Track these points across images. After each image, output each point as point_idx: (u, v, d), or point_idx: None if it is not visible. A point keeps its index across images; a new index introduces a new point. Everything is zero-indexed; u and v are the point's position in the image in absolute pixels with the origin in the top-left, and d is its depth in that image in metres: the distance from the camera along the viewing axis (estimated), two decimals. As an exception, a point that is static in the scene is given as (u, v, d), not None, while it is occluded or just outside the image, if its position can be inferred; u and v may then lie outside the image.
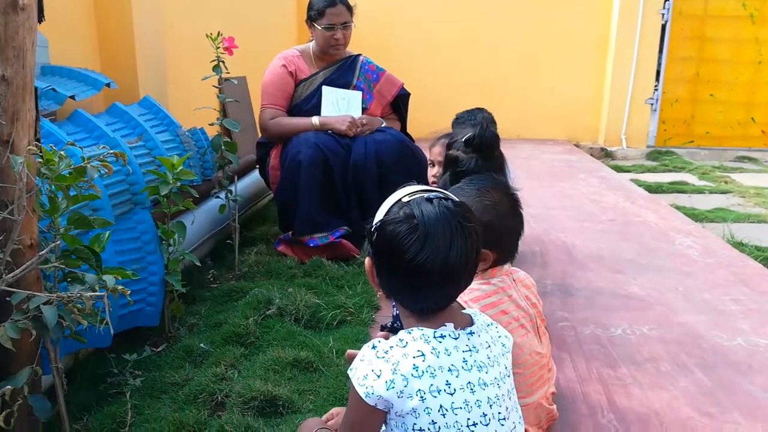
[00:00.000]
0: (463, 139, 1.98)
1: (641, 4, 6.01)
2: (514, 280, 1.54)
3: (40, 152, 1.24)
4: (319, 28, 2.93)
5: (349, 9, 2.98)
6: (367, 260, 1.13)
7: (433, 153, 2.34)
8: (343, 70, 3.06)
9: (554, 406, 1.57)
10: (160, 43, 2.91)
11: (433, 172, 2.34)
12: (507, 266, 1.53)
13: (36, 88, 1.27)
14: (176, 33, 3.17)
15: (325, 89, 2.97)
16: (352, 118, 2.90)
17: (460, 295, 1.35)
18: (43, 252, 1.22)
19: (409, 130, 3.31)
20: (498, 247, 1.46)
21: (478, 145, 1.88)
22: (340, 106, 2.98)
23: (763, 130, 6.46)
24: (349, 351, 1.75)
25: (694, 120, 6.48)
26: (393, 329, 1.94)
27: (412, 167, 2.84)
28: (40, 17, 1.22)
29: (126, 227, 1.96)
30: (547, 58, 6.40)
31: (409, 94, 3.24)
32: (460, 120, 2.83)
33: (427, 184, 1.39)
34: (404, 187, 1.15)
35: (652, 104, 6.31)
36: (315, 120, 2.90)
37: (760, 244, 3.25)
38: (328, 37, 2.94)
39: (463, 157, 1.90)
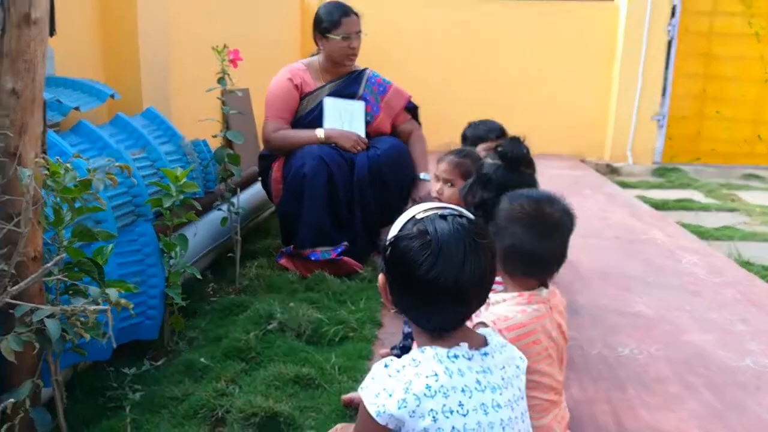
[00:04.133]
0: (494, 148, 1.94)
1: (647, 21, 6.02)
2: (550, 308, 1.48)
3: (47, 164, 1.23)
4: (337, 38, 2.92)
5: (359, 18, 2.99)
6: (380, 276, 1.12)
7: (439, 169, 2.32)
8: (349, 82, 3.05)
9: None
10: (164, 54, 2.92)
11: (436, 188, 2.30)
12: (545, 292, 1.48)
13: (44, 101, 1.26)
14: (180, 44, 3.18)
15: (327, 100, 2.97)
16: (357, 137, 2.89)
17: (494, 322, 1.33)
18: (49, 264, 1.20)
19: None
20: (541, 272, 1.46)
21: (505, 155, 1.85)
22: (344, 117, 2.98)
23: (769, 147, 6.45)
24: (345, 396, 1.75)
25: (700, 137, 6.46)
26: (403, 349, 1.92)
27: (406, 179, 2.94)
28: (52, 30, 1.22)
29: (128, 239, 1.95)
30: (553, 74, 6.41)
31: (417, 107, 3.23)
32: (472, 128, 2.82)
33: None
34: (418, 203, 1.14)
35: (658, 120, 6.30)
36: (320, 133, 2.89)
37: (767, 263, 3.22)
38: (344, 46, 2.94)
39: (490, 163, 1.87)
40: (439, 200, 2.26)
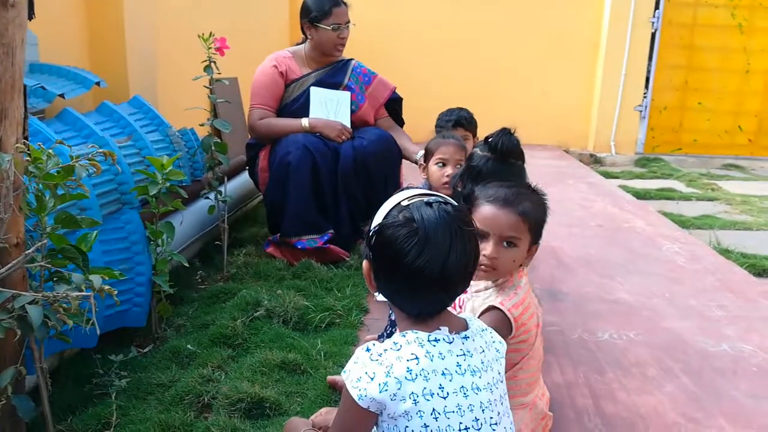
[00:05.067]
0: (484, 139, 1.95)
1: (631, 13, 6.06)
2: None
3: (28, 150, 1.23)
4: (327, 28, 2.92)
5: (347, 8, 3.00)
6: (364, 263, 1.13)
7: (444, 153, 2.27)
8: (335, 71, 3.06)
9: (551, 414, 1.57)
10: (151, 42, 2.90)
11: (447, 171, 2.28)
12: (525, 268, 1.52)
13: (25, 86, 1.26)
14: (168, 32, 3.15)
15: (313, 90, 2.97)
16: (342, 126, 2.91)
17: (502, 303, 1.35)
18: (29, 251, 1.21)
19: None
20: (537, 242, 1.47)
21: (495, 147, 1.85)
22: (329, 107, 2.98)
23: (749, 138, 6.53)
24: (330, 377, 1.77)
25: (682, 128, 6.53)
26: (390, 336, 1.94)
27: (392, 168, 2.96)
28: (31, 14, 1.21)
29: (114, 227, 1.95)
30: (538, 64, 6.43)
31: (401, 99, 3.24)
32: (442, 118, 2.83)
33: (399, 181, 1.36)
34: (402, 190, 1.15)
35: (641, 111, 6.36)
36: (305, 122, 2.90)
37: (745, 251, 3.28)
38: (334, 36, 2.94)
39: (479, 155, 1.87)
40: (449, 184, 2.24)
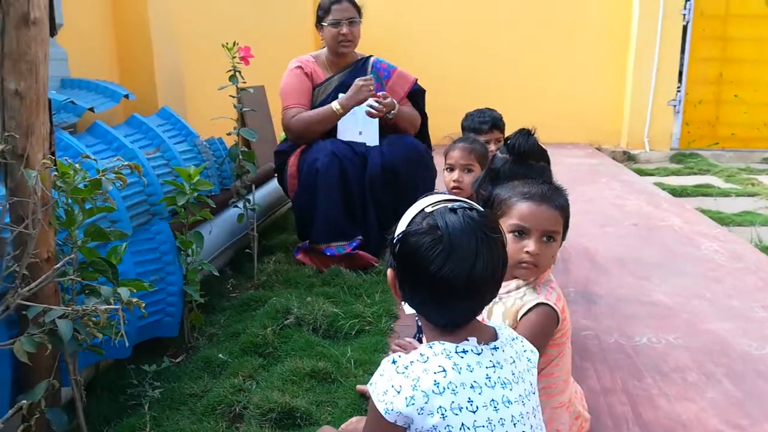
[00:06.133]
0: (504, 141, 1.94)
1: (661, 5, 5.93)
2: None
3: (55, 165, 1.24)
4: (326, 25, 2.94)
5: (356, 7, 2.99)
6: (389, 272, 1.10)
7: (453, 157, 2.30)
8: (355, 72, 3.05)
9: (588, 417, 1.55)
10: (177, 54, 2.93)
11: (454, 176, 2.28)
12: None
13: (50, 101, 1.27)
14: (194, 43, 3.19)
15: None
16: (365, 85, 2.82)
17: (547, 297, 1.36)
18: (58, 265, 1.22)
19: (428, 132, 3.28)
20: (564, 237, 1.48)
21: (513, 148, 1.84)
22: (356, 112, 2.96)
23: (790, 130, 6.33)
24: (360, 386, 1.75)
25: (718, 121, 6.36)
26: (419, 341, 1.92)
27: (426, 180, 2.89)
28: (53, 31, 1.22)
29: (144, 238, 1.96)
30: (567, 61, 6.34)
31: (424, 91, 3.21)
32: (474, 120, 2.80)
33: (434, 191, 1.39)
34: (426, 196, 1.12)
35: (674, 106, 6.21)
36: (335, 105, 2.86)
37: (789, 248, 3.17)
38: (334, 33, 2.94)
39: (499, 157, 1.86)
40: (459, 189, 2.24)
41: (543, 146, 1.87)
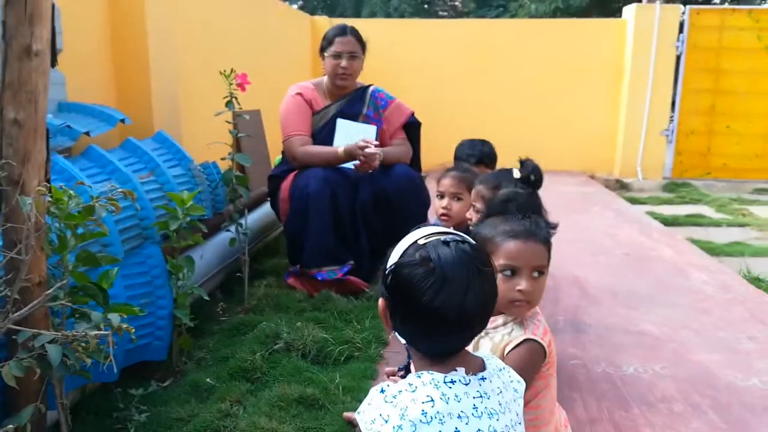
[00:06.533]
0: (517, 176, 1.95)
1: (655, 37, 6.04)
2: None
3: (50, 192, 1.26)
4: (327, 56, 2.98)
5: (360, 42, 3.02)
6: (380, 302, 1.11)
7: (444, 185, 2.33)
8: (354, 101, 3.09)
9: None
10: (175, 79, 2.97)
11: (443, 204, 2.31)
12: None
13: (47, 129, 1.30)
14: (190, 68, 3.23)
15: (339, 122, 3.00)
16: (356, 147, 2.82)
17: (534, 332, 1.38)
18: (50, 291, 1.23)
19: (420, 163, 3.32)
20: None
21: (527, 179, 1.85)
22: (353, 138, 3.00)
23: (781, 161, 6.40)
24: (346, 414, 1.76)
25: (710, 152, 6.44)
26: (408, 368, 1.92)
27: (416, 209, 2.88)
28: (53, 62, 1.25)
29: (136, 261, 1.98)
30: (562, 90, 6.43)
31: (419, 124, 3.25)
32: (463, 148, 2.82)
33: (426, 221, 1.40)
34: (419, 227, 1.14)
35: (667, 136, 6.29)
36: (340, 150, 2.88)
37: (777, 279, 3.20)
38: (334, 65, 2.97)
39: (521, 192, 1.87)
40: (447, 216, 2.26)
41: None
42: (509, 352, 1.41)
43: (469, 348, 1.46)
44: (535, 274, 1.42)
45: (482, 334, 1.45)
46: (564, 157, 6.49)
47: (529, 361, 1.40)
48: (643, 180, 6.26)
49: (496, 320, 1.47)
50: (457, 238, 1.07)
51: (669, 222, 4.57)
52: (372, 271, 2.89)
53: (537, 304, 1.46)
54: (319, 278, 2.77)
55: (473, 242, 1.08)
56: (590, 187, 5.81)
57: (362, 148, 2.79)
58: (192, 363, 2.18)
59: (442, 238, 1.06)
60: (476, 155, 2.70)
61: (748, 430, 1.80)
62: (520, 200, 1.77)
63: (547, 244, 1.45)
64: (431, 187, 3.04)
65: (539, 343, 1.40)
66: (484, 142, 2.80)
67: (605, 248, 3.67)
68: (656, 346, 2.34)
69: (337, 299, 2.67)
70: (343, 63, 2.97)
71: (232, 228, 2.60)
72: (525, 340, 1.40)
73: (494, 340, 1.45)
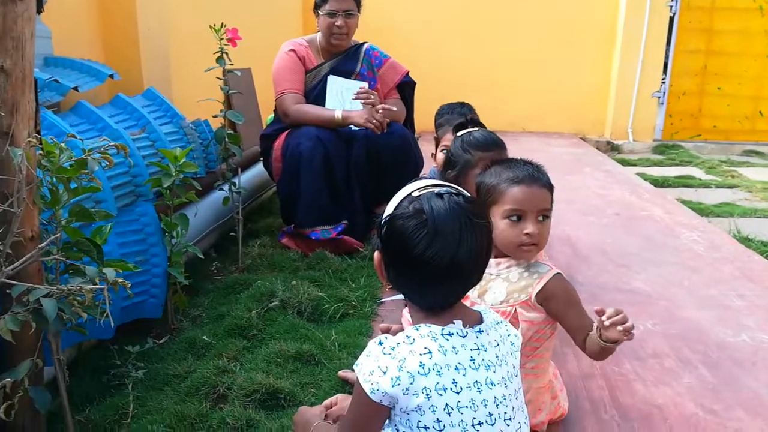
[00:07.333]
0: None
1: (649, -4, 5.97)
2: None
3: (41, 144, 1.23)
4: (322, 14, 2.92)
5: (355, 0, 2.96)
6: (375, 254, 1.12)
7: (448, 139, 2.32)
8: (347, 59, 3.04)
9: (566, 405, 1.58)
10: (164, 34, 2.90)
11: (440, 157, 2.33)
12: None
13: (36, 80, 1.26)
14: (180, 24, 3.16)
15: (330, 79, 2.95)
16: (368, 112, 2.81)
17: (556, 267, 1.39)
18: (43, 244, 1.21)
19: (414, 123, 3.29)
20: None
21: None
22: (345, 96, 2.96)
23: (771, 123, 6.42)
24: (341, 373, 1.76)
25: (701, 113, 6.43)
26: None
27: (409, 169, 2.86)
28: (39, 8, 1.21)
29: (129, 219, 1.96)
30: (554, 51, 6.36)
31: (414, 83, 3.21)
32: (443, 113, 2.79)
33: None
34: (414, 181, 1.14)
35: (659, 97, 6.27)
36: (338, 114, 2.84)
37: (766, 239, 3.23)
38: (330, 23, 2.91)
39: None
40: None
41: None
42: (544, 286, 1.43)
43: (475, 294, 1.48)
44: (541, 218, 1.45)
45: (493, 276, 1.47)
46: (555, 118, 6.46)
47: (574, 290, 1.46)
48: (633, 142, 6.26)
49: (501, 263, 1.48)
50: (452, 190, 1.07)
51: (659, 183, 4.59)
52: (366, 229, 2.89)
53: (543, 248, 1.48)
54: (313, 238, 2.77)
55: (468, 194, 1.08)
56: (581, 148, 5.80)
57: (377, 110, 2.77)
58: (188, 321, 2.18)
59: (436, 190, 1.06)
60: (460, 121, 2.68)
61: (737, 384, 1.83)
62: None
63: (551, 188, 1.47)
64: (425, 148, 3.02)
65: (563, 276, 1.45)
66: (462, 105, 2.78)
67: (596, 208, 3.68)
68: (647, 303, 2.37)
69: (332, 258, 2.67)
70: (339, 22, 2.90)
71: (226, 187, 2.58)
72: (557, 274, 1.45)
73: (511, 279, 1.46)
